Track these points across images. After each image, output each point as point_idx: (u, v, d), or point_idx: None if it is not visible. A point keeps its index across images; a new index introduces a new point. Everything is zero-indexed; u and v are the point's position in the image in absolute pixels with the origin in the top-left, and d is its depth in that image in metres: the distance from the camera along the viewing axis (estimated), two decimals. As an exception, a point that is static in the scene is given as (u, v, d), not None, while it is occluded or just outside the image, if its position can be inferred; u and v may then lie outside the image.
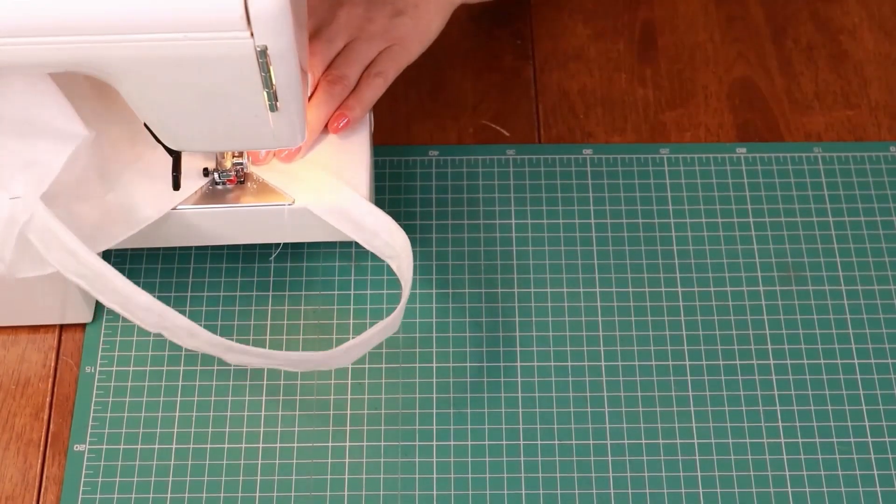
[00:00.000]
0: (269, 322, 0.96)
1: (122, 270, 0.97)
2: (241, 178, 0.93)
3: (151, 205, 0.92)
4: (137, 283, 0.97)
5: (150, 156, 0.93)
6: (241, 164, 0.92)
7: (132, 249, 0.99)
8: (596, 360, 0.95)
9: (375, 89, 0.95)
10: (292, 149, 0.92)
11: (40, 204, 0.86)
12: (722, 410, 0.93)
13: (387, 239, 0.92)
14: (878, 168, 1.04)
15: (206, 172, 0.92)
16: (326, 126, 0.94)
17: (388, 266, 0.97)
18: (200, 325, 0.96)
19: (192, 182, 0.92)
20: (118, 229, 0.91)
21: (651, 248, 1.00)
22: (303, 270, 0.99)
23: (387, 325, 0.89)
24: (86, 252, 0.86)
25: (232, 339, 0.95)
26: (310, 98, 0.93)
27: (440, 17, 0.99)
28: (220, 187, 0.93)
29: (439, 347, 0.96)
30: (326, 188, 0.92)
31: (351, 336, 0.96)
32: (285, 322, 0.96)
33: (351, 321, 0.96)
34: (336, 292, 0.98)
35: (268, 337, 0.96)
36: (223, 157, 0.92)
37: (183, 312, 0.96)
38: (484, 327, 0.96)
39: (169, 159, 0.90)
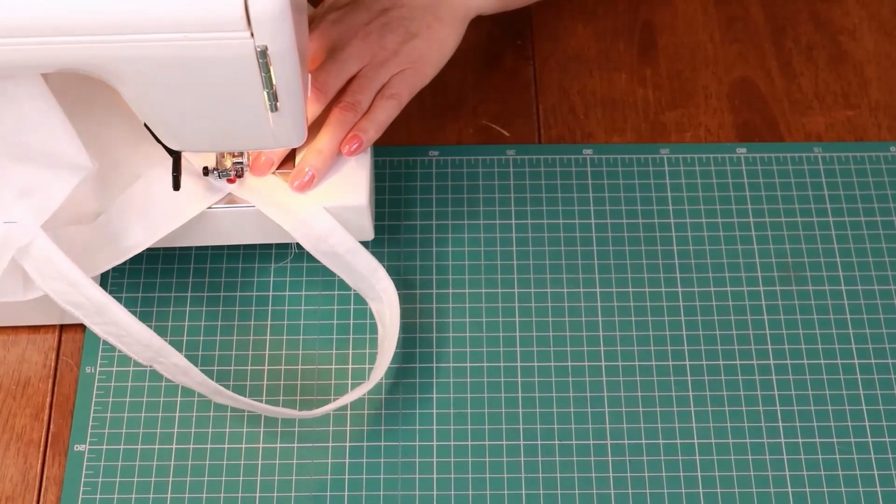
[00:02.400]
0: (269, 322, 0.96)
1: (122, 270, 0.98)
2: (241, 177, 0.93)
3: (141, 232, 0.92)
4: (138, 284, 0.98)
5: (147, 177, 0.93)
6: (241, 163, 0.92)
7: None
8: (596, 360, 0.95)
9: (389, 111, 0.95)
10: (306, 179, 0.92)
11: (41, 233, 0.87)
12: (722, 410, 0.93)
13: (372, 282, 0.94)
14: (878, 168, 1.04)
15: (205, 171, 0.92)
16: (340, 150, 0.94)
17: (389, 266, 0.98)
18: (201, 325, 0.96)
19: (189, 208, 0.92)
20: (103, 258, 0.91)
21: (651, 248, 1.00)
22: (303, 271, 0.99)
23: (365, 385, 0.90)
24: (90, 285, 0.86)
25: (231, 340, 0.96)
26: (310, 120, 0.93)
27: (455, 36, 0.99)
28: (217, 184, 0.93)
29: (439, 347, 0.96)
30: (319, 224, 0.92)
31: (351, 337, 0.96)
32: (285, 322, 0.96)
33: (351, 322, 0.96)
34: (336, 292, 0.98)
35: (268, 337, 0.96)
36: (223, 157, 0.92)
37: (183, 313, 0.96)
38: (484, 327, 0.96)
39: (166, 182, 0.90)
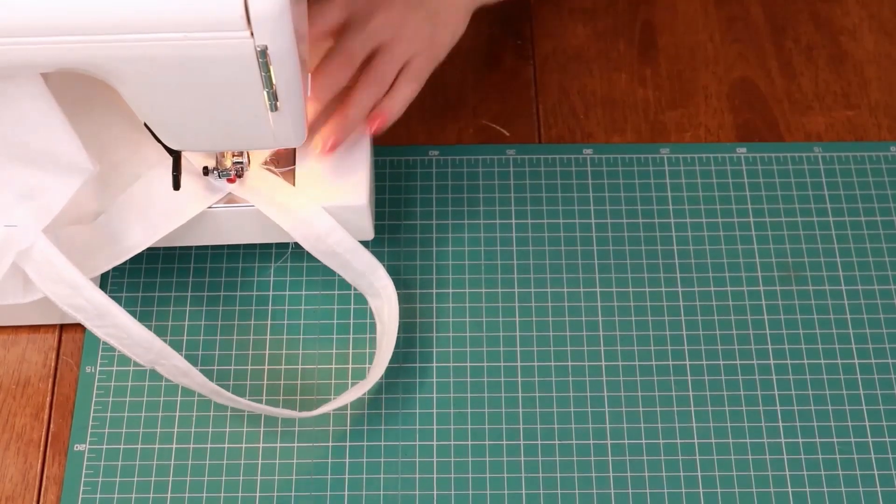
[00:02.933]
0: (269, 322, 0.96)
1: (122, 270, 0.98)
2: (241, 177, 0.93)
3: (141, 232, 0.92)
4: (138, 284, 0.98)
5: (147, 177, 0.93)
6: (241, 163, 0.92)
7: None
8: (596, 360, 0.95)
9: (412, 91, 0.96)
10: (329, 144, 0.93)
11: (42, 236, 0.87)
12: (722, 410, 0.93)
13: (371, 280, 0.94)
14: (878, 168, 1.04)
15: (205, 171, 0.92)
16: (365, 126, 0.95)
17: (389, 265, 0.98)
18: (201, 325, 0.96)
19: (189, 208, 0.92)
20: (104, 258, 0.91)
21: (651, 248, 1.00)
22: (303, 270, 0.99)
23: (364, 384, 0.91)
24: (91, 288, 0.87)
25: (232, 339, 0.96)
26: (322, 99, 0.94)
27: (464, 23, 1.00)
28: (217, 184, 0.93)
29: (439, 347, 0.96)
30: (319, 224, 0.92)
31: (351, 336, 0.96)
32: (285, 322, 0.96)
33: (351, 321, 0.96)
34: (336, 292, 0.98)
35: (268, 337, 0.96)
36: (223, 156, 0.92)
37: (183, 313, 0.96)
38: (484, 327, 0.96)
39: (166, 182, 0.90)
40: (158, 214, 0.92)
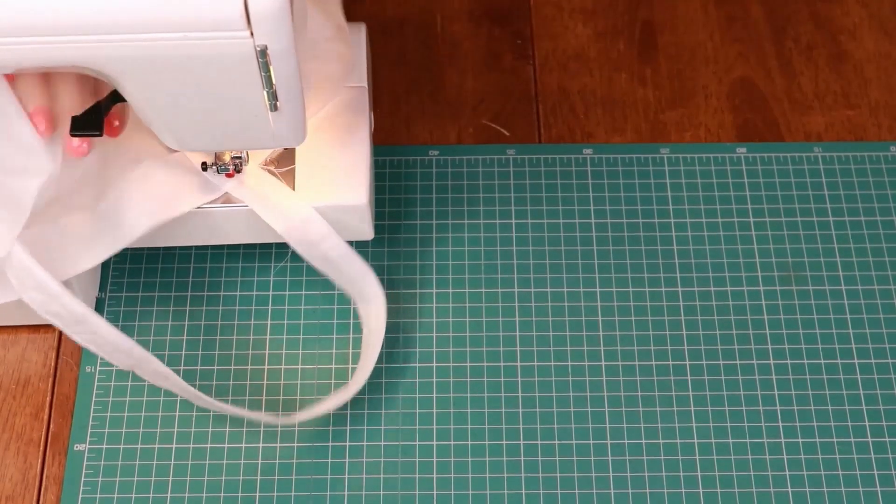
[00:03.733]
0: (269, 322, 0.96)
1: (122, 270, 0.98)
2: (240, 172, 0.93)
3: (140, 217, 0.91)
4: (138, 283, 0.98)
5: (146, 165, 0.92)
6: (240, 158, 0.92)
7: (132, 249, 0.99)
8: (596, 360, 0.95)
9: None
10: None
11: (17, 244, 0.86)
12: (722, 410, 0.93)
13: (362, 286, 0.94)
14: (878, 168, 1.04)
15: (204, 166, 0.92)
16: None
17: (389, 265, 0.98)
18: (201, 325, 0.96)
19: (188, 198, 0.92)
20: (103, 247, 0.91)
21: (651, 248, 1.00)
22: (303, 270, 0.99)
23: (348, 390, 0.91)
24: (69, 297, 0.86)
25: (232, 339, 0.96)
26: None
27: None
28: (215, 180, 0.93)
29: (439, 347, 0.96)
30: (313, 229, 0.92)
31: (350, 336, 0.96)
32: (285, 322, 0.96)
33: (351, 321, 0.96)
34: (336, 292, 0.98)
35: (268, 337, 0.96)
36: (222, 152, 0.92)
37: (183, 312, 0.96)
38: (484, 327, 0.96)
39: (166, 170, 0.90)
40: (157, 202, 0.91)
